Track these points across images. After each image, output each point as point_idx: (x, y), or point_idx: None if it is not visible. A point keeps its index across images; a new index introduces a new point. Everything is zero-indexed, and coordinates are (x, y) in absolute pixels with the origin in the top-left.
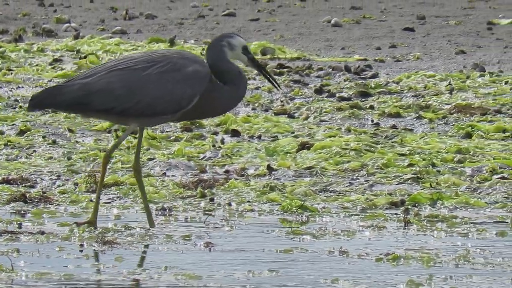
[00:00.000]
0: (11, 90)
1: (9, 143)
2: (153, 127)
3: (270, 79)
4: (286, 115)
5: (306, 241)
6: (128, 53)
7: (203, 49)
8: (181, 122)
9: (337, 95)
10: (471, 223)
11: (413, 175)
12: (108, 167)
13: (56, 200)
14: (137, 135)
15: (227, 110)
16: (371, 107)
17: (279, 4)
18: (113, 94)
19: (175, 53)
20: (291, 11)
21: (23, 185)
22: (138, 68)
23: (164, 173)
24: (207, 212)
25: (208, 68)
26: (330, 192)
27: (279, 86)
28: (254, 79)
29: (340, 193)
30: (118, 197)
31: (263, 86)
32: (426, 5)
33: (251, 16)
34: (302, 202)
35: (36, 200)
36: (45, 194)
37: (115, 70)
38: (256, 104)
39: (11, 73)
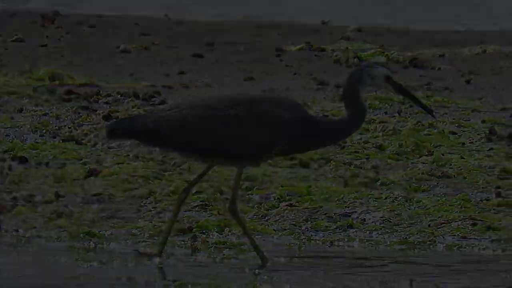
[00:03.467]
0: None
1: None
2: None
3: (424, 106)
4: (74, 142)
5: (93, 267)
6: None
7: None
8: None
9: None
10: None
11: (201, 203)
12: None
13: None
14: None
15: (336, 142)
16: None
17: (68, 30)
18: (185, 129)
19: (265, 98)
20: (80, 37)
21: None
22: (217, 108)
23: None
24: None
25: (299, 114)
26: (118, 218)
27: (433, 115)
28: (42, 106)
29: (128, 219)
30: None
31: (51, 113)
32: (215, 31)
33: (40, 42)
34: (90, 229)
35: None
36: None
37: (196, 106)
38: (44, 131)
39: None
